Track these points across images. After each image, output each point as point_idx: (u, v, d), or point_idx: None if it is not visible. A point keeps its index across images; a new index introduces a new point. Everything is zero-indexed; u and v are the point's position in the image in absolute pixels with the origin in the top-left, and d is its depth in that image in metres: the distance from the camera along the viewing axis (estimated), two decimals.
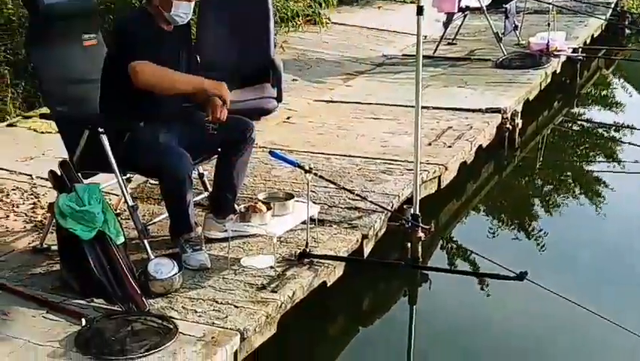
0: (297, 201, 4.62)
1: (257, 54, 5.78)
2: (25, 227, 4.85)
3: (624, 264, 5.32)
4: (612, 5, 10.54)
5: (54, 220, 4.17)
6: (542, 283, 4.30)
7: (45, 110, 4.70)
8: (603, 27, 9.94)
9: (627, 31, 10.69)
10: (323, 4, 9.78)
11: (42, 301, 3.90)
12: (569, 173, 7.15)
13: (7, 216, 4.99)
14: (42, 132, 6.23)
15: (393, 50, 9.03)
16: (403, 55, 8.81)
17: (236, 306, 3.87)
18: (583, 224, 6.08)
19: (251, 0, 5.91)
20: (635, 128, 7.82)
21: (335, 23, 9.75)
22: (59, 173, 4.30)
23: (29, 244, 4.63)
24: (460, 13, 8.77)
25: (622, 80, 9.76)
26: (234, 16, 5.83)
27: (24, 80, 6.79)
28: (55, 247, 4.30)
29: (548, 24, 8.22)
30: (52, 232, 4.36)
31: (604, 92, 9.28)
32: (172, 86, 4.23)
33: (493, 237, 5.85)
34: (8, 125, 6.50)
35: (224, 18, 5.84)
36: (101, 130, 4.25)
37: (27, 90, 6.78)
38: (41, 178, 5.29)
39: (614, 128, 8.01)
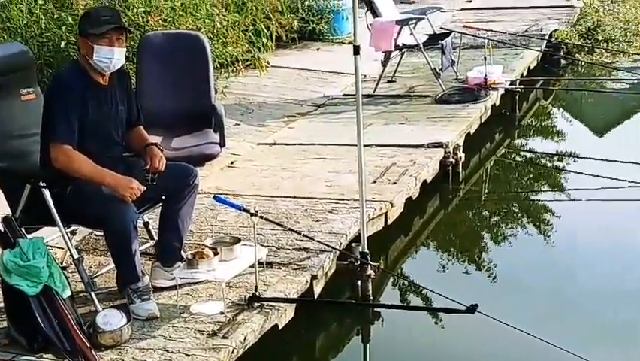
0: (245, 245, 4.60)
1: (198, 100, 5.77)
2: None
3: (574, 291, 5.36)
4: (546, 37, 10.76)
5: None
6: (494, 314, 4.29)
7: None
8: (539, 58, 10.12)
9: (563, 61, 10.92)
10: (262, 49, 9.83)
11: None
12: (514, 203, 7.22)
13: None
14: None
15: (333, 90, 9.09)
16: (344, 95, 8.88)
17: (187, 355, 3.83)
18: (531, 253, 6.12)
19: (189, 47, 5.91)
20: (576, 156, 7.95)
21: (274, 67, 9.80)
22: (2, 229, 4.22)
23: None
24: (398, 51, 8.88)
25: (561, 110, 9.94)
26: (174, 64, 5.83)
27: None
28: (1, 304, 4.21)
29: (485, 58, 8.35)
30: None
31: (544, 122, 9.43)
32: (78, 175, 4.22)
33: (443, 271, 5.87)
34: None
35: (163, 66, 5.83)
36: (42, 184, 4.22)
37: None
38: None
39: (556, 157, 8.12)
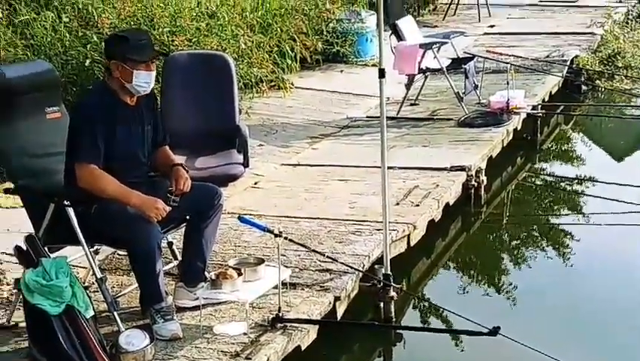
0: (268, 265, 4.60)
1: (222, 121, 5.79)
2: None
3: (595, 314, 5.36)
4: (568, 63, 10.75)
5: (21, 296, 4.10)
6: (515, 337, 4.29)
7: (9, 185, 4.64)
8: (560, 84, 10.13)
9: (583, 87, 10.91)
10: (286, 70, 9.87)
11: None
12: (535, 226, 7.21)
13: None
14: (6, 207, 6.15)
15: (357, 112, 9.10)
16: (367, 117, 8.88)
17: None
18: (552, 276, 6.13)
19: (214, 67, 5.94)
20: (596, 181, 7.94)
21: (298, 88, 9.83)
22: (25, 248, 4.25)
23: None
24: (421, 74, 8.89)
25: (581, 135, 9.92)
26: (199, 84, 5.85)
27: None
28: (23, 324, 4.22)
29: (507, 83, 8.36)
30: (19, 309, 4.29)
31: (565, 147, 9.43)
32: (103, 194, 4.23)
33: (465, 293, 5.86)
34: None
35: (188, 86, 5.86)
36: (67, 203, 4.23)
37: None
38: (6, 254, 5.19)
39: (576, 181, 8.12)
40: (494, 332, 4.24)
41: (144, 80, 4.31)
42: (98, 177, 4.22)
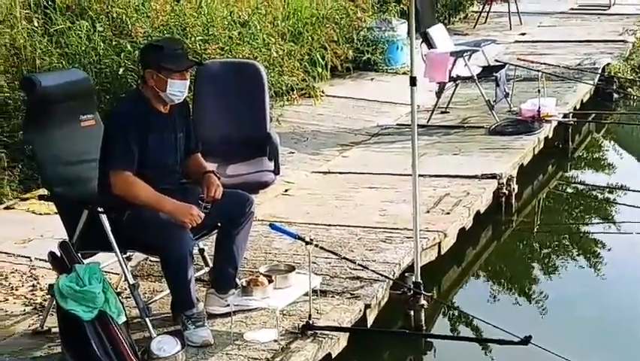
0: (299, 273, 4.61)
1: (253, 128, 5.83)
2: (24, 310, 4.82)
3: (626, 324, 5.31)
4: (599, 71, 10.68)
5: (54, 302, 4.15)
6: (547, 346, 4.27)
7: (43, 191, 4.70)
8: (592, 92, 10.07)
9: (615, 95, 10.83)
10: (316, 78, 9.90)
11: None
12: (566, 235, 7.16)
13: (7, 300, 4.97)
14: (40, 214, 6.23)
15: (387, 120, 9.11)
16: (398, 124, 8.89)
17: None
18: (583, 285, 6.10)
19: (246, 75, 5.98)
20: (628, 190, 7.87)
21: (329, 96, 9.86)
22: (59, 254, 4.30)
23: (29, 326, 4.60)
24: (452, 82, 8.88)
25: (613, 143, 9.85)
26: (230, 92, 5.89)
27: (21, 163, 6.82)
28: (55, 329, 4.27)
29: (538, 91, 8.33)
30: (52, 314, 4.34)
31: (596, 155, 9.37)
32: (137, 201, 4.26)
33: (496, 302, 5.84)
34: (6, 208, 6.49)
35: (220, 93, 5.91)
36: (100, 210, 4.27)
37: (24, 172, 6.80)
38: (40, 260, 5.28)
39: (607, 189, 8.06)
40: (526, 341, 4.22)
41: (178, 89, 4.35)
42: (132, 184, 4.25)
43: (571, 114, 8.93)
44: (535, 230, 7.23)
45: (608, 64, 10.97)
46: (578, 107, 9.42)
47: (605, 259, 6.45)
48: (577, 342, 5.00)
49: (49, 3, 8.47)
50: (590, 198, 8.06)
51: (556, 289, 6.00)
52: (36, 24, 7.92)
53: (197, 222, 4.25)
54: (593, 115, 9.83)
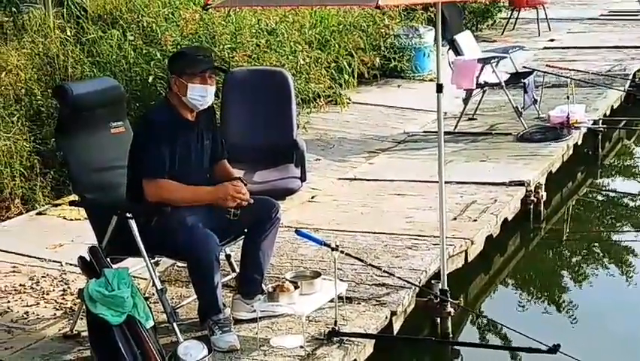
0: (325, 279, 4.62)
1: (280, 135, 5.86)
2: (55, 314, 4.88)
3: None
4: (630, 76, 10.60)
5: (84, 306, 4.19)
6: (575, 355, 4.23)
7: (74, 197, 4.76)
8: (622, 98, 9.98)
9: None
10: (343, 85, 9.93)
11: None
12: (596, 243, 7.10)
13: (38, 304, 5.03)
14: (71, 220, 6.31)
15: (414, 127, 9.10)
16: (424, 131, 8.87)
17: None
18: (614, 294, 6.04)
19: (273, 83, 6.02)
20: None
21: (355, 103, 9.88)
22: (88, 259, 4.34)
23: (59, 330, 4.65)
24: (479, 89, 8.85)
25: None
26: (258, 99, 5.93)
27: (53, 169, 6.91)
28: (85, 333, 4.32)
29: (567, 97, 8.27)
30: (82, 318, 4.39)
31: (627, 162, 9.29)
32: (178, 203, 4.33)
33: (524, 310, 5.81)
34: (38, 214, 6.59)
35: (247, 101, 5.95)
36: (129, 215, 4.32)
37: (56, 179, 6.90)
38: (70, 265, 5.35)
39: (639, 197, 7.98)
40: (554, 349, 4.17)
41: (199, 94, 4.38)
42: (166, 189, 4.30)
43: (601, 121, 8.87)
44: (565, 238, 7.18)
45: (639, 70, 10.88)
46: (608, 113, 9.34)
47: (636, 267, 6.38)
48: (606, 352, 4.96)
49: (82, 13, 8.61)
50: (620, 206, 7.99)
51: (586, 297, 5.96)
52: (69, 33, 8.04)
53: (241, 198, 4.32)
54: (624, 122, 9.74)
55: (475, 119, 9.11)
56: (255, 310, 4.47)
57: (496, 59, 8.82)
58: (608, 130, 9.06)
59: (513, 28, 14.42)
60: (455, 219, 6.11)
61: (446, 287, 5.00)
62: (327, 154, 8.13)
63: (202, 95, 4.39)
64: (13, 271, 5.50)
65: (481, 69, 8.56)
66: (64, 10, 8.52)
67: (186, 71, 4.37)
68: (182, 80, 4.36)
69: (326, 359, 4.14)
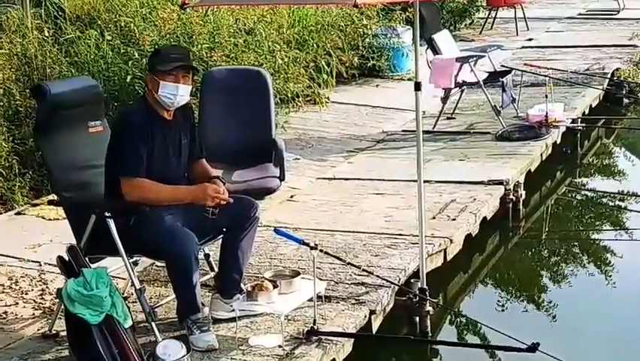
0: (304, 278, 4.63)
1: (259, 135, 5.85)
2: (34, 313, 4.87)
3: (635, 332, 5.29)
4: (609, 75, 10.65)
5: (62, 306, 4.18)
6: (554, 354, 4.25)
7: (53, 197, 4.74)
8: (601, 97, 10.03)
9: (625, 100, 10.79)
10: (322, 85, 9.93)
11: None
12: (575, 243, 7.13)
13: (17, 303, 5.01)
14: (50, 219, 6.28)
15: (393, 126, 9.12)
16: (403, 130, 8.88)
17: None
18: (592, 293, 6.07)
19: (251, 82, 6.01)
20: (638, 196, 7.83)
21: (334, 102, 9.89)
22: (67, 258, 4.32)
23: (38, 330, 4.64)
24: (457, 88, 8.87)
25: (623, 149, 9.80)
26: (236, 99, 5.92)
27: (31, 169, 6.87)
28: (64, 333, 4.30)
29: (546, 96, 8.30)
30: (60, 318, 4.37)
31: (606, 161, 9.32)
32: (156, 202, 4.33)
33: (503, 309, 5.82)
34: (17, 214, 6.56)
35: (225, 100, 5.93)
36: (107, 215, 4.30)
37: (34, 179, 6.87)
38: (49, 264, 5.33)
39: (618, 196, 8.02)
40: (533, 348, 4.18)
41: (170, 92, 4.37)
42: (144, 188, 4.30)
43: (579, 119, 8.90)
44: (544, 237, 7.21)
45: (618, 69, 10.94)
46: (586, 112, 9.38)
47: (615, 266, 6.41)
48: (585, 350, 4.99)
49: (60, 13, 8.56)
50: (599, 205, 8.02)
51: (564, 296, 5.98)
52: (47, 33, 8.01)
53: (219, 198, 4.32)
54: (603, 120, 9.79)
55: (454, 118, 9.13)
56: (233, 310, 4.47)
57: (475, 58, 8.85)
58: (587, 129, 9.10)
59: (491, 28, 14.46)
60: (434, 218, 6.12)
61: (425, 286, 5.01)
62: (306, 153, 8.13)
63: (173, 93, 4.38)
64: None
65: (460, 68, 8.58)
66: (42, 10, 8.48)
67: (159, 69, 4.38)
68: (155, 77, 4.38)
69: (305, 359, 4.14)
